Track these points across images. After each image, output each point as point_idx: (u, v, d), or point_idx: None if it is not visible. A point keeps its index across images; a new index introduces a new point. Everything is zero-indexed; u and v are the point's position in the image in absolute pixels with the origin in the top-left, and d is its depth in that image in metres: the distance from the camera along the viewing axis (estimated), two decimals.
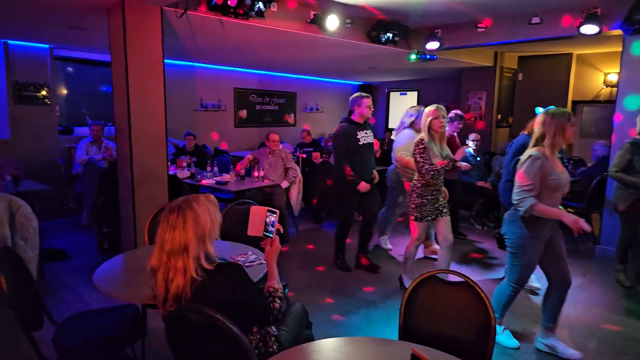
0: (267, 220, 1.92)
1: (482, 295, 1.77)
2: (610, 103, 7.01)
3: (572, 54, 7.31)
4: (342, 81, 10.74)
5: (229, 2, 3.81)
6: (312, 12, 4.61)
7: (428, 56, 5.95)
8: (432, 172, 3.28)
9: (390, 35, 5.33)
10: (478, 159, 5.79)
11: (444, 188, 3.51)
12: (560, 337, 2.82)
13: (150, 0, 3.61)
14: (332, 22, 4.62)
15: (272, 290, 1.81)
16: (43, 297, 2.24)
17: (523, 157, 2.56)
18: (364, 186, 3.91)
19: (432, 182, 3.36)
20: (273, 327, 1.83)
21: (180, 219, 1.54)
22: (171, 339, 1.58)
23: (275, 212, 1.92)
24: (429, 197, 3.39)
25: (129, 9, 3.61)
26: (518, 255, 2.66)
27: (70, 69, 6.66)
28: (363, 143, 3.92)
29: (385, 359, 1.53)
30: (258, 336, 1.76)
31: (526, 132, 3.52)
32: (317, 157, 6.79)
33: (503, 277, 4.00)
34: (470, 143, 5.70)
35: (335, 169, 4.07)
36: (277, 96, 9.34)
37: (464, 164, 3.64)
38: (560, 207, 2.61)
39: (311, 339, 2.09)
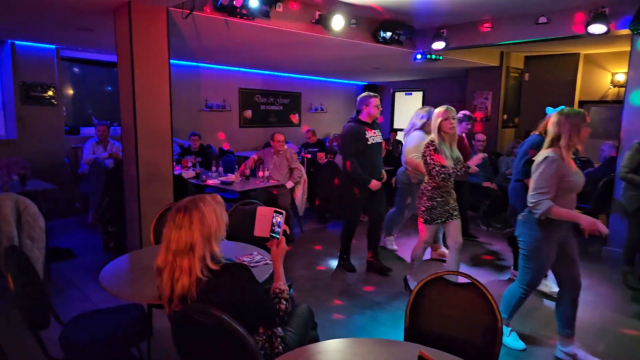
0: (274, 220, 1.91)
1: (489, 296, 1.75)
2: (617, 103, 6.95)
3: (579, 53, 7.26)
4: (347, 81, 10.73)
5: (234, 3, 3.82)
6: (317, 13, 4.61)
7: (434, 56, 5.93)
8: (442, 175, 3.24)
9: (395, 35, 5.31)
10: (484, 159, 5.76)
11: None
12: None
13: (156, 1, 3.62)
14: (338, 22, 4.61)
15: (278, 292, 1.80)
16: (49, 296, 2.24)
17: (538, 158, 2.51)
18: (375, 184, 3.89)
19: (443, 185, 3.31)
20: (279, 328, 1.83)
21: (187, 219, 1.54)
22: (177, 339, 1.58)
23: (281, 213, 1.91)
24: (439, 200, 3.33)
25: (135, 10, 3.62)
26: (531, 258, 2.62)
27: (76, 69, 6.70)
28: (371, 143, 3.90)
29: None
30: (264, 337, 1.75)
31: (537, 133, 3.47)
32: (321, 157, 6.78)
33: (509, 279, 4.02)
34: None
35: (343, 169, 4.05)
36: (281, 96, 9.35)
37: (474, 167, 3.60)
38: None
39: (316, 339, 2.09)
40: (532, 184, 2.50)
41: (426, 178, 3.39)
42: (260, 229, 1.94)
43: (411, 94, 10.54)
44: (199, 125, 7.60)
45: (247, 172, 5.30)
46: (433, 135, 3.31)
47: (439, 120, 3.27)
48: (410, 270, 3.70)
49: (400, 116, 10.69)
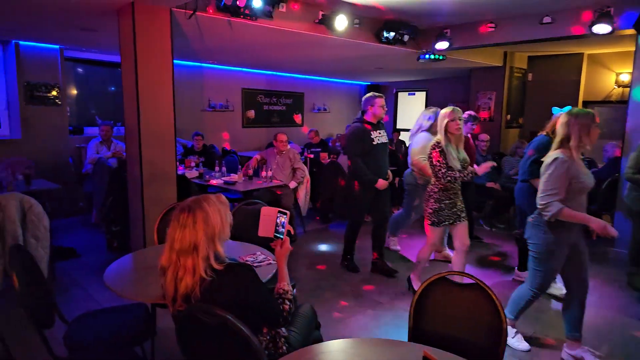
0: (278, 221, 1.91)
1: (494, 297, 1.75)
2: (622, 103, 6.92)
3: (583, 53, 7.23)
4: (350, 81, 10.73)
5: (238, 3, 3.82)
6: (321, 13, 4.60)
7: (437, 56, 5.91)
8: (448, 178, 3.20)
9: (398, 35, 5.30)
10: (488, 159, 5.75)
11: None
12: None
13: (159, 1, 3.62)
14: (341, 22, 4.60)
15: (282, 292, 1.80)
16: (54, 296, 2.25)
17: (547, 159, 2.48)
18: (382, 183, 3.88)
19: (450, 186, 3.28)
20: (283, 328, 1.83)
21: (191, 219, 1.54)
22: (181, 339, 1.58)
23: (285, 214, 1.91)
24: (447, 202, 3.29)
25: (139, 11, 3.63)
26: (542, 261, 2.59)
27: (80, 69, 6.72)
28: (377, 143, 3.89)
29: None
30: (268, 337, 1.76)
31: (544, 133, 3.44)
32: (324, 157, 6.78)
33: (513, 279, 4.00)
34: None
35: (349, 169, 4.03)
36: (284, 96, 9.35)
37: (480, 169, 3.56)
38: None
39: (320, 340, 2.09)
40: (541, 185, 2.47)
41: (433, 180, 3.35)
42: (264, 229, 1.94)
43: (414, 94, 10.53)
44: (202, 126, 7.61)
45: (250, 172, 5.30)
46: (439, 137, 3.27)
47: (446, 121, 3.23)
48: (415, 271, 3.70)
49: (404, 116, 10.67)
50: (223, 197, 1.70)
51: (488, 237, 5.36)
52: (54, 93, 5.94)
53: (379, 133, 3.94)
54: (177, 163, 4.15)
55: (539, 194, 2.47)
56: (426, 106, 9.98)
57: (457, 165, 3.23)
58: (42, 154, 5.85)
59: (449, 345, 1.65)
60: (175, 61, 3.98)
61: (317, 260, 4.54)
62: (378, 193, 3.94)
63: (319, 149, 7.30)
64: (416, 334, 1.85)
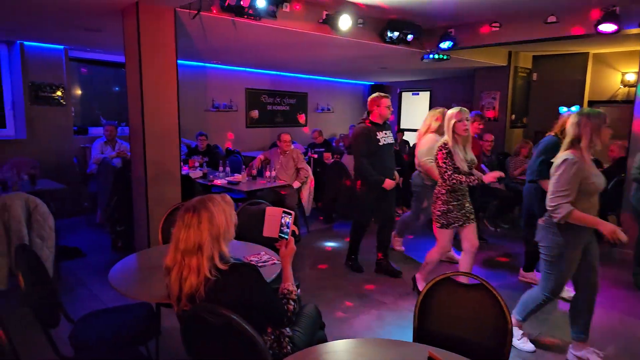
0: (283, 221, 1.91)
1: (499, 298, 1.74)
2: (628, 103, 6.88)
3: (588, 53, 7.19)
4: (354, 81, 10.72)
5: (241, 3, 3.82)
6: (325, 12, 4.60)
7: (441, 56, 5.90)
8: (454, 181, 3.16)
9: (402, 35, 5.29)
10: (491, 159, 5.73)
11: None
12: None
13: (164, 1, 3.63)
14: (345, 22, 4.60)
15: (286, 292, 1.80)
16: (59, 295, 2.26)
17: (557, 160, 2.45)
18: (389, 183, 3.85)
19: (458, 187, 3.23)
20: (287, 328, 1.83)
21: (195, 219, 1.54)
22: (186, 338, 1.58)
23: (290, 214, 1.91)
24: (455, 203, 3.23)
25: (143, 11, 3.64)
26: (554, 264, 2.54)
27: (84, 69, 6.75)
28: (383, 144, 3.86)
29: None
30: (272, 337, 1.76)
31: (553, 134, 3.39)
32: (328, 157, 6.78)
33: (519, 280, 3.97)
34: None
35: (355, 169, 4.00)
36: (288, 96, 9.36)
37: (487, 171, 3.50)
38: None
39: (324, 340, 2.08)
40: (551, 186, 2.44)
41: (440, 181, 3.31)
42: (269, 230, 1.94)
43: (418, 94, 10.51)
44: (206, 126, 7.63)
45: (254, 172, 5.31)
46: (446, 138, 3.22)
47: (453, 121, 3.18)
48: (421, 272, 3.66)
49: (407, 116, 10.65)
50: (228, 197, 1.70)
51: (492, 237, 5.34)
52: (59, 93, 5.96)
53: (385, 134, 3.91)
54: (181, 163, 4.16)
55: (549, 195, 2.44)
56: (430, 106, 9.99)
57: (464, 166, 3.18)
58: (47, 154, 5.88)
59: (454, 345, 1.64)
60: (179, 61, 3.98)
61: (321, 260, 4.54)
62: (384, 194, 3.91)
63: (323, 149, 7.30)
64: (421, 335, 1.84)
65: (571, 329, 2.71)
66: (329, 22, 4.62)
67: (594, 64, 7.31)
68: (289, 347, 1.77)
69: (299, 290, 1.88)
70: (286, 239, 1.89)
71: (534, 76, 7.89)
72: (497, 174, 3.25)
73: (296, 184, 5.28)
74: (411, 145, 8.51)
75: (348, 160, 6.12)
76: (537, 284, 3.84)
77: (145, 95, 3.74)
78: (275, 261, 2.34)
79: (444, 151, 3.18)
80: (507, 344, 1.69)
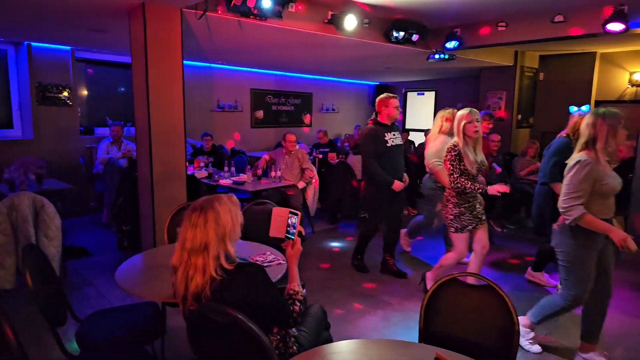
0: (289, 222, 1.91)
1: (506, 299, 1.73)
2: (636, 103, 6.82)
3: (595, 52, 7.13)
4: (359, 81, 10.71)
5: (247, 3, 3.83)
6: (330, 13, 4.59)
7: (447, 56, 5.87)
8: (458, 185, 3.11)
9: (408, 34, 5.27)
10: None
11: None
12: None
13: (170, 2, 3.64)
14: (350, 22, 4.59)
15: (292, 293, 1.80)
16: (66, 294, 2.28)
17: (570, 162, 2.41)
18: (398, 185, 3.80)
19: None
20: (293, 328, 1.82)
21: (202, 218, 1.55)
22: (192, 338, 1.59)
23: (297, 214, 1.91)
24: (467, 205, 3.18)
25: (150, 11, 3.65)
26: (572, 269, 2.50)
27: (90, 70, 6.79)
28: (391, 145, 3.82)
29: None
30: (278, 337, 1.75)
31: (565, 134, 3.34)
32: (333, 157, 6.77)
33: (529, 281, 3.93)
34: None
35: (363, 170, 3.96)
36: (293, 97, 9.36)
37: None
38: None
39: (329, 340, 2.08)
40: (563, 188, 2.41)
41: (448, 184, 3.26)
42: (275, 230, 1.94)
43: (423, 94, 10.47)
44: (211, 126, 7.65)
45: (259, 172, 5.31)
46: (456, 139, 3.16)
47: (463, 123, 3.11)
48: (433, 272, 3.60)
49: (413, 116, 10.62)
50: (234, 197, 1.70)
51: (498, 237, 5.30)
52: (65, 94, 6.00)
53: (394, 134, 3.88)
54: (187, 163, 4.17)
55: (561, 197, 2.41)
56: (435, 106, 9.95)
57: (474, 168, 3.13)
58: (54, 154, 5.92)
59: (460, 346, 1.63)
60: (184, 62, 4.00)
61: (326, 260, 4.53)
62: (392, 195, 3.85)
63: (328, 149, 7.29)
64: (427, 335, 1.83)
65: (581, 331, 2.68)
66: (335, 22, 4.62)
67: (601, 64, 7.25)
68: (294, 347, 1.77)
69: (304, 291, 1.87)
70: (292, 239, 1.89)
71: (541, 76, 7.84)
72: (503, 188, 3.11)
73: (301, 184, 5.28)
74: (416, 145, 8.49)
75: (353, 161, 6.11)
76: (544, 285, 3.85)
77: (151, 95, 3.75)
78: (281, 261, 2.34)
79: (453, 153, 3.13)
80: (514, 345, 1.68)
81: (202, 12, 3.77)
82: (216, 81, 7.93)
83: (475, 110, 3.18)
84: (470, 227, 3.20)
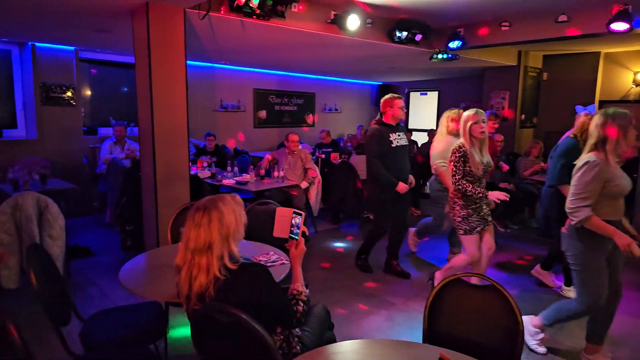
0: (293, 222, 1.90)
1: (510, 299, 1.72)
2: None
3: (599, 52, 7.11)
4: (361, 81, 10.70)
5: (250, 4, 3.83)
6: (333, 12, 4.59)
7: (450, 55, 5.86)
8: (459, 187, 3.09)
9: (411, 34, 5.26)
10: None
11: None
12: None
13: (173, 2, 3.65)
14: (353, 22, 4.58)
15: (295, 293, 1.80)
16: (69, 294, 2.28)
17: (579, 162, 2.39)
18: (402, 187, 3.77)
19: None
20: (296, 328, 1.82)
21: (206, 218, 1.55)
22: (196, 338, 1.59)
23: (300, 214, 1.90)
24: (474, 207, 3.15)
25: (153, 11, 3.66)
26: (584, 273, 2.46)
27: (94, 70, 6.81)
28: (396, 146, 3.80)
29: None
30: (282, 337, 1.75)
31: (572, 135, 3.30)
32: (335, 157, 6.77)
33: (537, 282, 3.90)
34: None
35: (368, 171, 3.95)
36: (296, 97, 9.36)
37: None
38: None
39: (333, 340, 2.07)
40: (571, 189, 2.38)
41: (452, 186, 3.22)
42: (279, 230, 1.94)
43: (426, 94, 10.46)
44: (214, 126, 7.66)
45: (262, 172, 5.32)
46: (462, 140, 3.13)
47: (469, 124, 3.07)
48: (442, 272, 3.57)
49: (416, 116, 10.60)
50: (238, 197, 1.70)
51: (502, 238, 5.29)
52: (69, 94, 6.02)
53: (398, 135, 3.86)
54: (190, 163, 4.18)
55: (568, 198, 2.39)
56: (438, 106, 9.94)
57: (480, 170, 3.10)
58: (58, 154, 5.93)
59: (464, 347, 1.63)
60: (188, 62, 4.00)
61: (329, 260, 4.53)
62: (397, 196, 3.82)
63: (330, 149, 7.29)
64: (431, 336, 1.83)
65: (587, 332, 2.66)
66: (337, 22, 4.61)
67: (605, 63, 7.23)
68: (298, 347, 1.77)
69: (307, 291, 1.87)
70: (296, 239, 1.89)
71: (544, 76, 7.81)
72: (503, 196, 3.03)
73: (304, 184, 5.28)
74: (419, 145, 8.48)
75: (356, 161, 6.10)
76: (548, 284, 3.83)
77: (154, 95, 3.76)
78: (284, 261, 2.34)
79: (457, 154, 3.10)
80: (518, 345, 1.67)
81: (205, 12, 3.77)
82: (219, 81, 7.94)
83: (482, 111, 3.14)
84: (479, 228, 3.17)
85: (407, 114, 10.68)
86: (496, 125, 4.66)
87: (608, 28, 4.40)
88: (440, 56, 5.84)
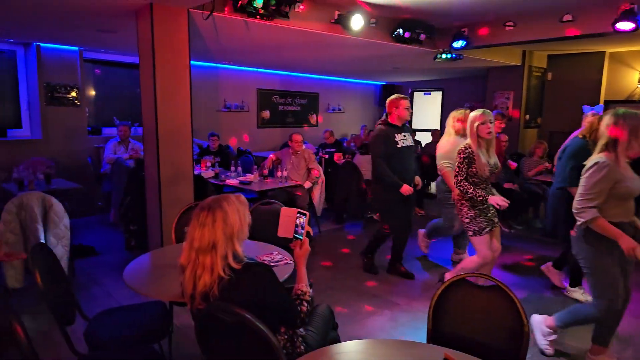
0: (297, 222, 1.90)
1: (515, 300, 1.71)
2: None
3: (604, 52, 7.07)
4: (365, 81, 10.69)
5: (254, 4, 3.83)
6: (337, 12, 4.59)
7: (455, 55, 5.84)
8: (461, 188, 3.07)
9: (415, 34, 5.25)
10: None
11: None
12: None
13: (177, 2, 3.66)
14: (357, 21, 4.58)
15: (299, 293, 1.80)
16: (74, 293, 2.29)
17: (588, 163, 2.37)
18: (406, 189, 3.73)
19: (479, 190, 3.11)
20: (301, 328, 1.82)
21: (210, 218, 1.55)
22: (200, 337, 1.59)
23: (305, 214, 1.90)
24: (481, 207, 3.12)
25: (157, 12, 3.67)
26: (595, 276, 2.44)
27: (98, 70, 6.84)
28: (401, 146, 3.78)
29: None
30: (286, 336, 1.75)
31: (580, 135, 3.25)
32: (339, 157, 6.76)
33: (547, 284, 3.87)
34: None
35: (373, 172, 3.93)
36: (299, 97, 9.37)
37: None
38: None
39: (337, 340, 2.07)
40: (579, 189, 2.37)
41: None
42: (284, 230, 1.94)
43: (430, 94, 10.43)
44: (218, 126, 7.67)
45: (266, 172, 5.32)
46: (469, 141, 3.11)
47: (476, 124, 3.04)
48: (452, 272, 3.54)
49: (419, 117, 10.58)
50: (242, 197, 1.70)
51: (506, 238, 5.26)
52: (73, 94, 6.05)
53: (404, 136, 3.84)
54: (194, 163, 4.18)
55: (576, 198, 2.38)
56: (442, 106, 9.91)
57: (486, 172, 3.07)
58: (62, 154, 5.96)
59: (469, 347, 1.62)
60: (191, 62, 4.01)
61: (333, 260, 4.53)
62: (402, 198, 3.79)
63: (334, 149, 7.28)
64: (435, 336, 1.82)
65: (593, 333, 2.63)
66: (341, 22, 4.61)
67: (610, 63, 7.19)
68: (302, 347, 1.76)
69: (311, 291, 1.87)
70: (301, 239, 1.89)
71: (549, 76, 7.78)
72: (503, 203, 3.00)
73: (307, 184, 5.28)
74: (423, 145, 8.46)
75: (360, 161, 6.10)
76: (554, 282, 3.80)
77: (158, 95, 3.77)
78: (288, 261, 2.34)
79: (462, 155, 3.08)
80: (523, 346, 1.66)
81: (208, 13, 3.78)
82: (222, 81, 7.95)
83: (489, 111, 3.11)
84: (487, 229, 3.14)
85: (410, 114, 10.66)
86: (503, 125, 4.62)
87: (613, 27, 4.37)
88: (444, 56, 5.83)
